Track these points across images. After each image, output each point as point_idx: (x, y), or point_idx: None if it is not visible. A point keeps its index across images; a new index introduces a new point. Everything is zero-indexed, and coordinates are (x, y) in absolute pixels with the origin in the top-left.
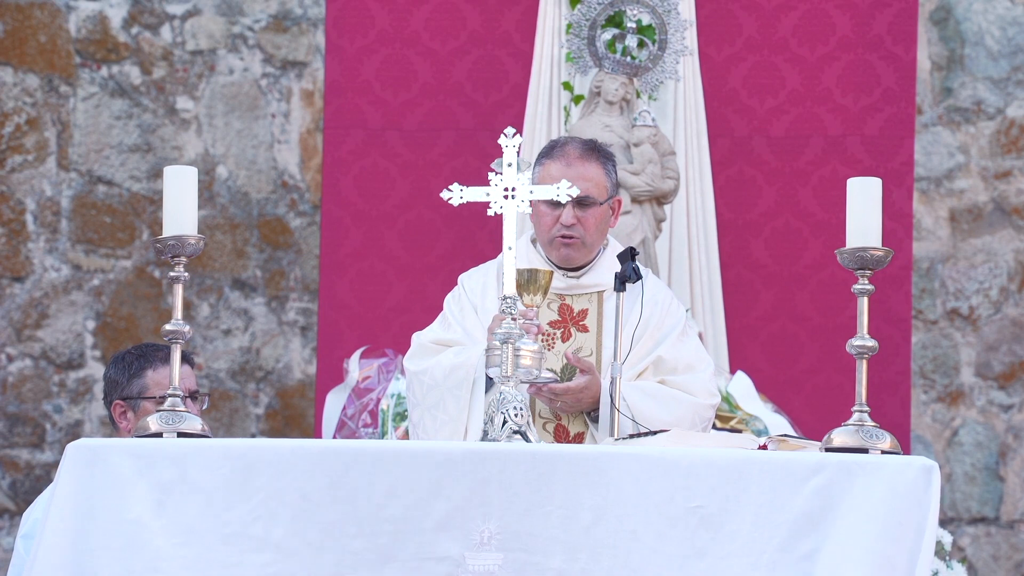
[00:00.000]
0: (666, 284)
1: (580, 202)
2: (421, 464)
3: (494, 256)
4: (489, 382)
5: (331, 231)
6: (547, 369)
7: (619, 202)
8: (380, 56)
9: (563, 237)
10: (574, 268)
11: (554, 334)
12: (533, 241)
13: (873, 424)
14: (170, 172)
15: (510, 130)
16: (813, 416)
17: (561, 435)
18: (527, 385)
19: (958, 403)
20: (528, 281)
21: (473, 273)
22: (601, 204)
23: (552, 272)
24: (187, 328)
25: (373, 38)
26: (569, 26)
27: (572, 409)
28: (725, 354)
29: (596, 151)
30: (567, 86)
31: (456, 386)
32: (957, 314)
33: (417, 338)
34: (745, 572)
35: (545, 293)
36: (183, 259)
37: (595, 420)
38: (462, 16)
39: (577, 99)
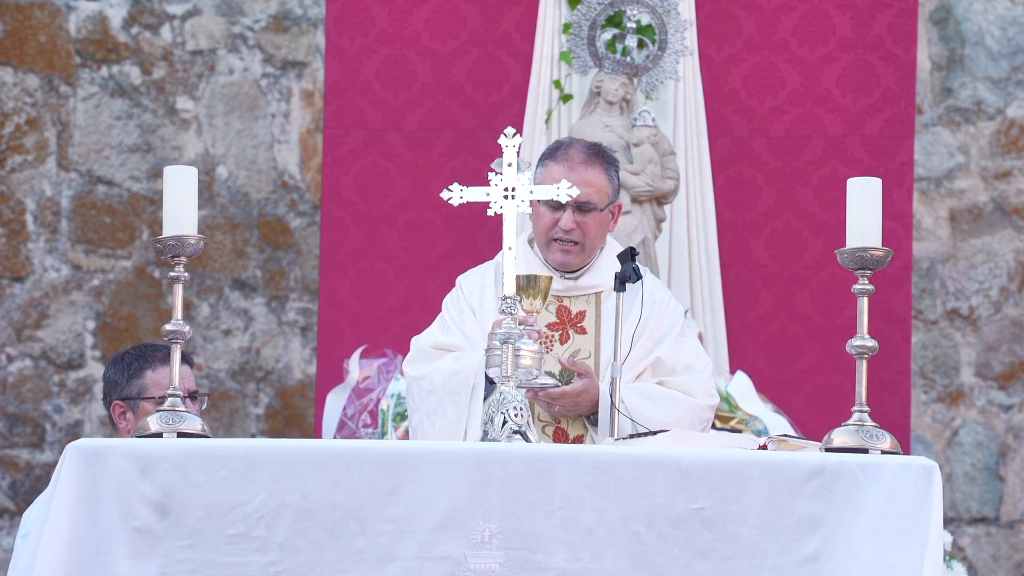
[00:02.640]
0: (665, 284)
1: (580, 207)
2: (422, 464)
3: (494, 256)
4: (488, 387)
5: (331, 231)
6: (546, 373)
7: (619, 206)
8: (380, 56)
9: (561, 242)
10: (571, 270)
11: (552, 336)
12: (530, 241)
13: (873, 424)
14: (170, 172)
15: (510, 130)
16: (813, 416)
17: (560, 438)
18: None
19: (958, 403)
20: (528, 286)
21: (471, 274)
22: (602, 210)
23: (551, 277)
24: (187, 328)
25: (373, 38)
26: (566, 26)
27: (570, 413)
28: (725, 354)
29: (600, 155)
30: (558, 84)
31: (455, 392)
32: (957, 314)
33: (416, 342)
34: (749, 574)
35: (545, 298)
36: (183, 259)
37: (594, 423)
38: (462, 16)
39: (565, 98)
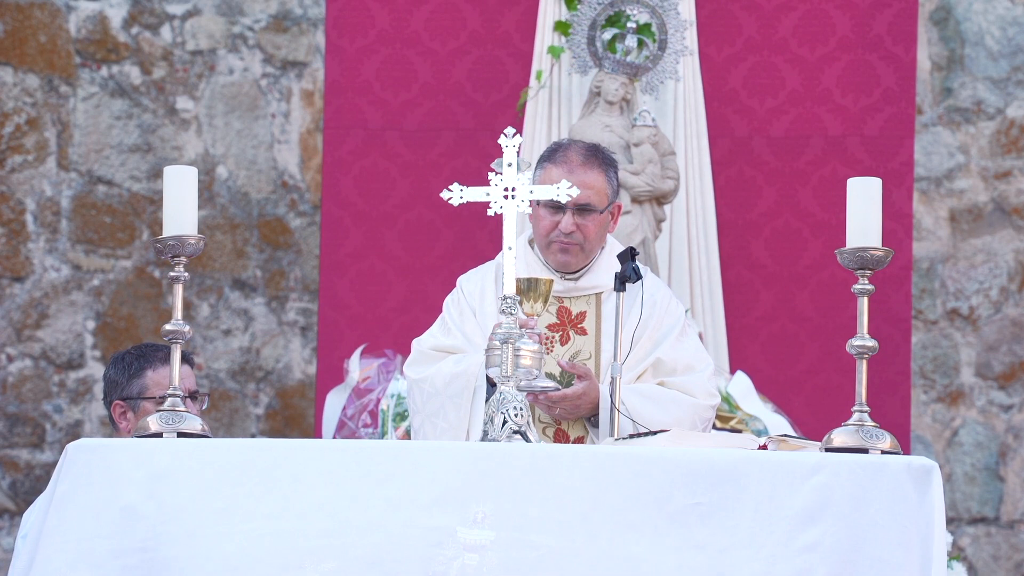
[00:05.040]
0: (665, 283)
1: (580, 209)
2: (420, 459)
3: (494, 256)
4: (490, 390)
5: (331, 231)
6: (546, 375)
7: (619, 207)
8: (380, 56)
9: (562, 243)
10: (572, 270)
11: (553, 337)
12: (530, 242)
13: (873, 424)
14: (170, 172)
15: (510, 130)
16: (813, 416)
17: (561, 440)
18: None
19: (958, 403)
20: (529, 289)
21: (471, 275)
22: (601, 212)
23: (552, 280)
24: (187, 328)
25: (373, 38)
26: (562, 25)
27: (571, 416)
28: (725, 354)
29: (598, 157)
30: (538, 76)
31: (457, 394)
32: (957, 314)
33: (417, 344)
34: (744, 564)
35: (546, 301)
36: (183, 259)
37: (595, 425)
38: (462, 16)
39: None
